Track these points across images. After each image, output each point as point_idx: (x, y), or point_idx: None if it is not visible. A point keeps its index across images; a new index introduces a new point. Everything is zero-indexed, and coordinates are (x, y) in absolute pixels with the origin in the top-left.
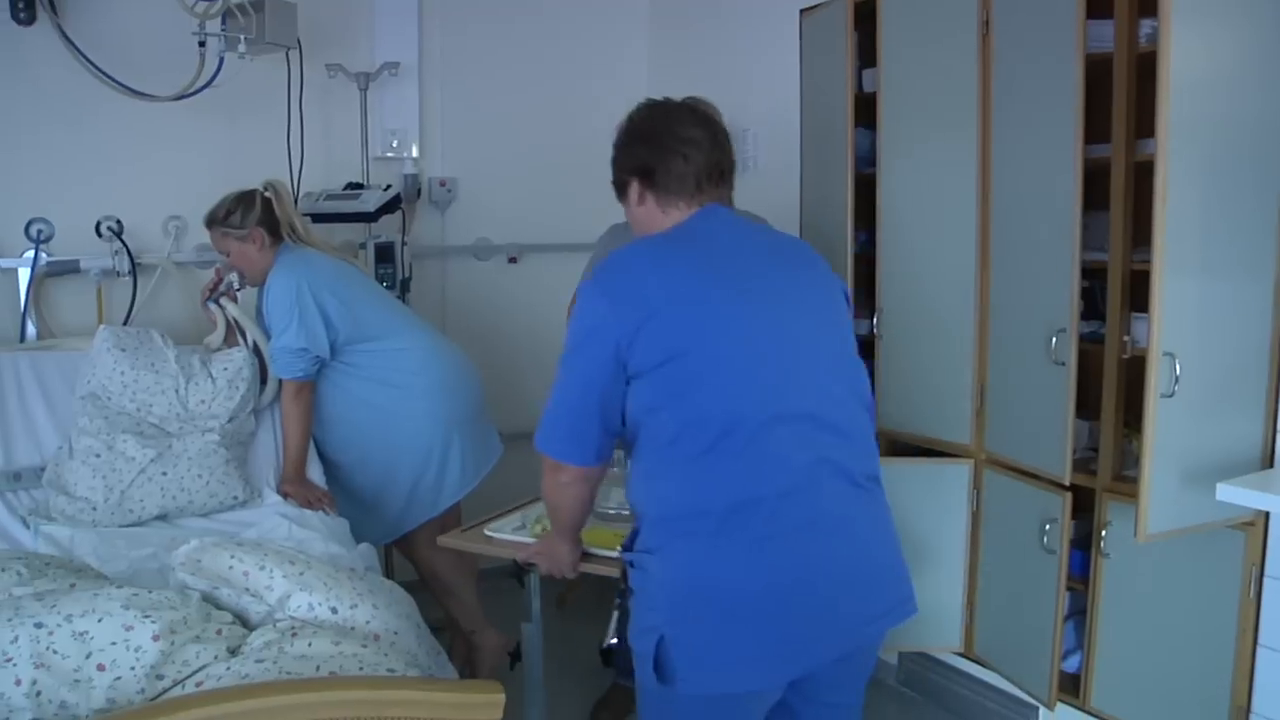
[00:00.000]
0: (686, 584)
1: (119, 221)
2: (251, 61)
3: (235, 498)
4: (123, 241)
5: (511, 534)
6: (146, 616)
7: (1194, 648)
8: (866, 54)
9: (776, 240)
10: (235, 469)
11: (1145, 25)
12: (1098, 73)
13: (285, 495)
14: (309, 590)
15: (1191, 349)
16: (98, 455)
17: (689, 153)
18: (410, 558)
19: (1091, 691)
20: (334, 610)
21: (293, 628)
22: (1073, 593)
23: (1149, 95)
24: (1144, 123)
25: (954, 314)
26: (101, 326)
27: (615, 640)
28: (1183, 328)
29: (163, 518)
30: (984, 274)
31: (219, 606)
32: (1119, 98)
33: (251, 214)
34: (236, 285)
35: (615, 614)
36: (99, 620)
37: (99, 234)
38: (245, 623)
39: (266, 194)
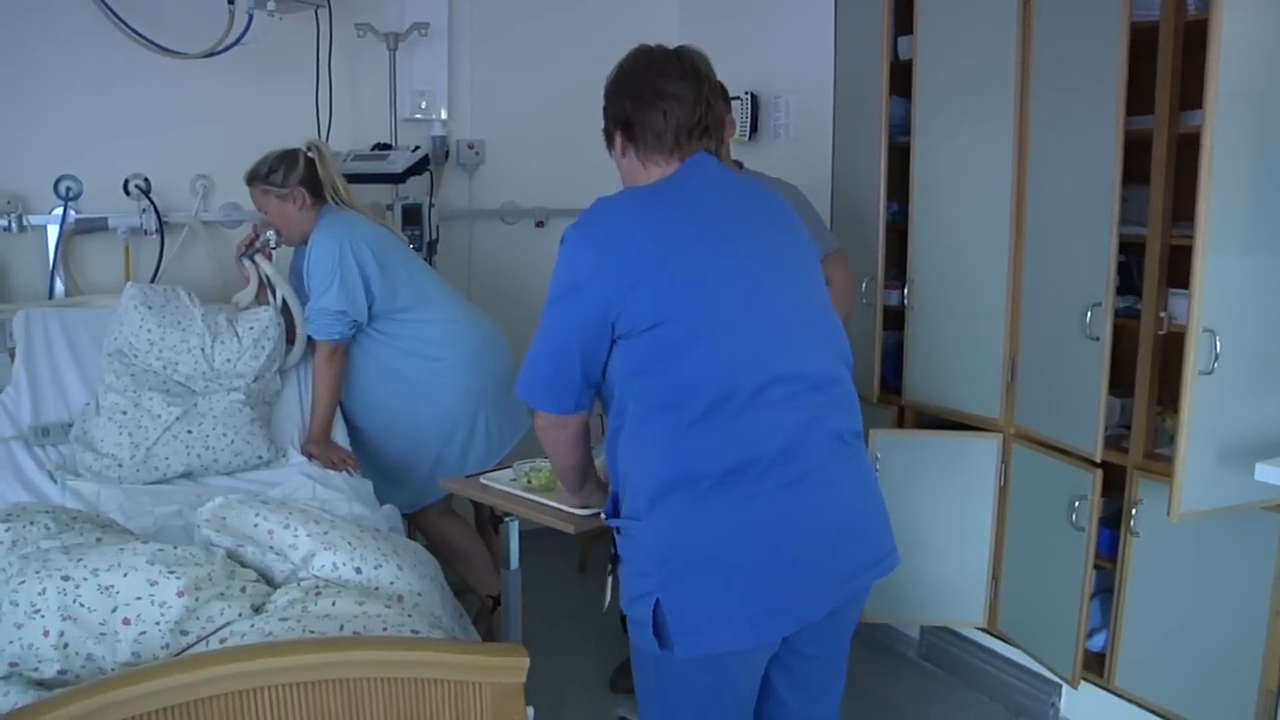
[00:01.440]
0: (677, 547)
1: (147, 180)
2: (280, 20)
3: (260, 457)
4: (150, 200)
5: (507, 484)
6: (171, 572)
7: (1224, 629)
8: (902, 21)
9: (760, 197)
10: (260, 428)
11: None
12: (1140, 43)
13: (310, 456)
14: (333, 549)
15: (1232, 326)
16: (124, 412)
17: (669, 108)
18: (420, 528)
19: (1116, 670)
20: (358, 570)
21: (317, 587)
22: (1099, 571)
23: (1193, 66)
24: (1187, 94)
25: (986, 286)
26: (129, 284)
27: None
28: (1224, 304)
29: (187, 475)
30: (1018, 246)
31: (243, 564)
32: (1164, 68)
33: (294, 173)
34: (273, 243)
35: (609, 580)
36: (124, 575)
37: (127, 192)
38: (269, 581)
39: (310, 154)
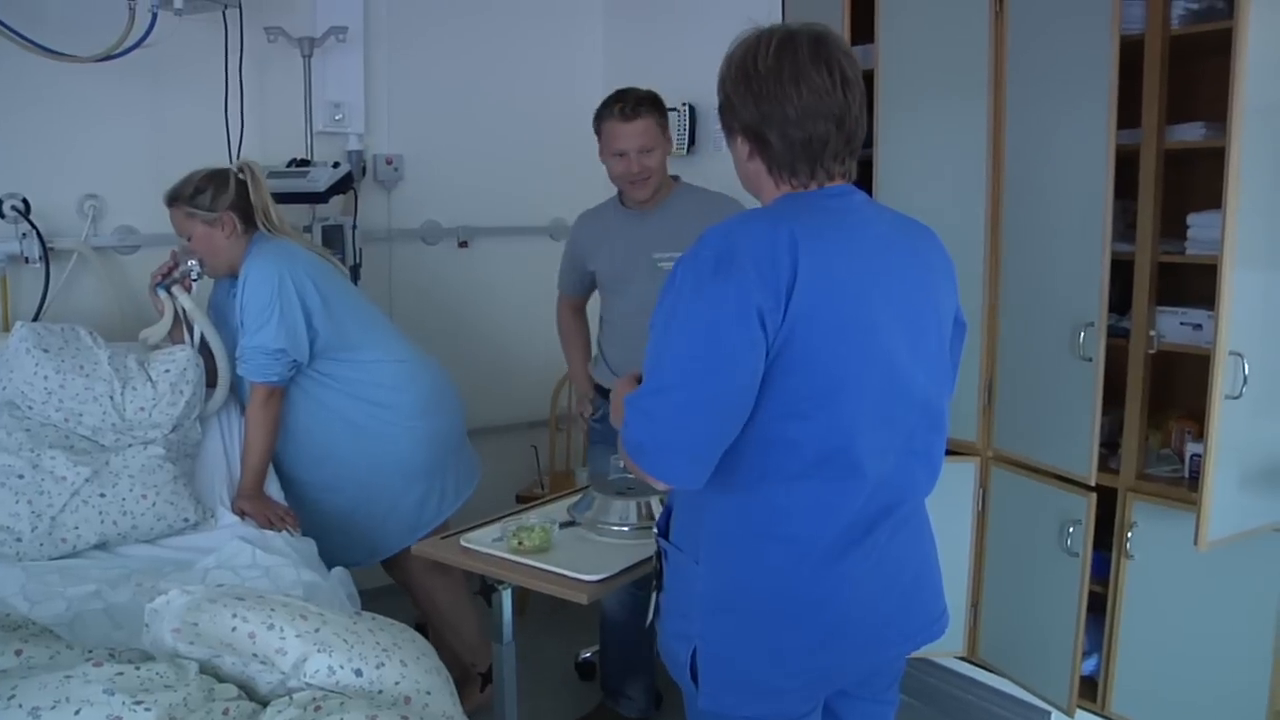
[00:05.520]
0: (732, 601)
1: (25, 200)
2: (181, 21)
3: (186, 519)
4: (31, 223)
5: (491, 546)
6: (139, 703)
7: (1228, 651)
8: (859, 29)
9: (915, 240)
10: (184, 486)
11: (1178, 6)
12: (1121, 57)
13: (241, 514)
14: (328, 650)
15: (1255, 346)
16: (20, 476)
17: (816, 129)
18: (406, 587)
19: (1112, 696)
20: (358, 673)
21: (314, 699)
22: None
23: (1177, 80)
24: (1173, 109)
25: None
26: (18, 324)
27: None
28: (1248, 325)
29: (102, 546)
30: (993, 263)
31: (220, 678)
32: (1150, 82)
33: (224, 195)
34: (194, 274)
35: (653, 598)
36: (76, 712)
37: (1, 214)
38: (251, 694)
39: (241, 175)
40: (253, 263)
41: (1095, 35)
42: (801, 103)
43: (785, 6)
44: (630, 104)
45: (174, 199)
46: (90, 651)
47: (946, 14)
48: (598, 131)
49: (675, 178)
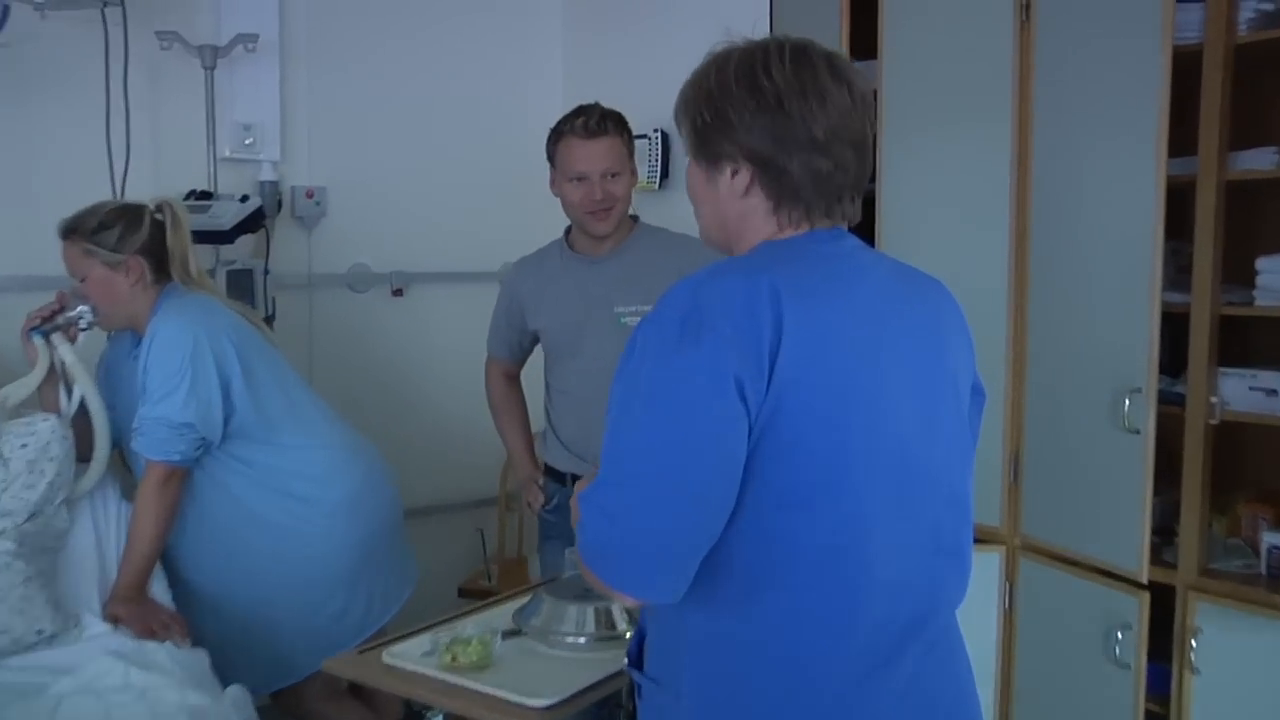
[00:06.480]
0: None
1: None
2: (45, 18)
3: (39, 631)
4: None
5: (419, 663)
6: None
7: None
8: (861, 42)
9: (923, 292)
10: (40, 589)
11: (1246, 8)
12: (1175, 71)
13: (115, 620)
14: None
15: None
16: None
17: (843, 157)
18: (295, 715)
19: None
20: None
21: None
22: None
23: (1244, 99)
24: (1237, 132)
25: (979, 366)
26: None
27: None
28: None
29: None
30: (1018, 318)
31: None
32: (1209, 102)
33: (134, 236)
34: (84, 322)
35: None
36: None
37: None
38: None
39: (159, 215)
40: (164, 319)
41: (1142, 45)
42: (830, 124)
43: (773, 18)
44: (595, 118)
45: (71, 231)
46: None
47: (962, 25)
48: (552, 155)
49: (634, 218)
